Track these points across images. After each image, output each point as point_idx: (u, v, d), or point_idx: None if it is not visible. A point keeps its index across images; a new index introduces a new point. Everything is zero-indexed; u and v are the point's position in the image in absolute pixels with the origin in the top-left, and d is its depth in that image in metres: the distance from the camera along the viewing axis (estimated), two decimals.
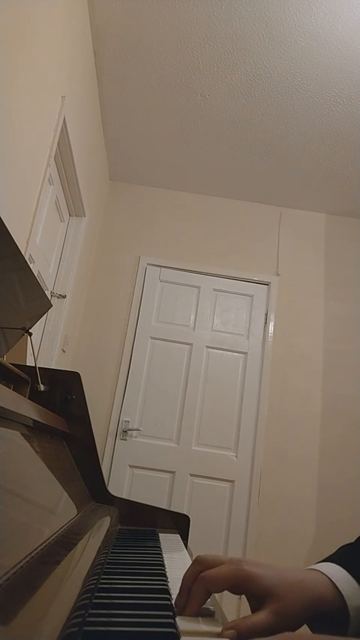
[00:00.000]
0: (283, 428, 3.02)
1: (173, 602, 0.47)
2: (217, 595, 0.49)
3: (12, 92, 1.46)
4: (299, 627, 0.44)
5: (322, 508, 2.87)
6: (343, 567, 0.48)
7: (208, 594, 0.46)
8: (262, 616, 0.42)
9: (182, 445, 2.94)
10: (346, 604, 0.45)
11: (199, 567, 0.47)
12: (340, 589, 0.46)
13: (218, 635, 0.41)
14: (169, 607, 0.44)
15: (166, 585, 0.52)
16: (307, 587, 0.45)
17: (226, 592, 0.46)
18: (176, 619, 0.43)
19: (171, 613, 0.42)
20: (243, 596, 0.46)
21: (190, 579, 0.47)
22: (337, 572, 0.48)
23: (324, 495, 2.90)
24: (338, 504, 2.87)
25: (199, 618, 0.44)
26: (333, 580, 0.47)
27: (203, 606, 0.46)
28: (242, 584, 0.44)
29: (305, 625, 0.46)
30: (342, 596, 0.45)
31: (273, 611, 0.42)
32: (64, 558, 0.52)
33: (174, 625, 0.39)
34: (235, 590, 0.45)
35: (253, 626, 0.41)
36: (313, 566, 0.50)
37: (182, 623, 0.42)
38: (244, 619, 0.42)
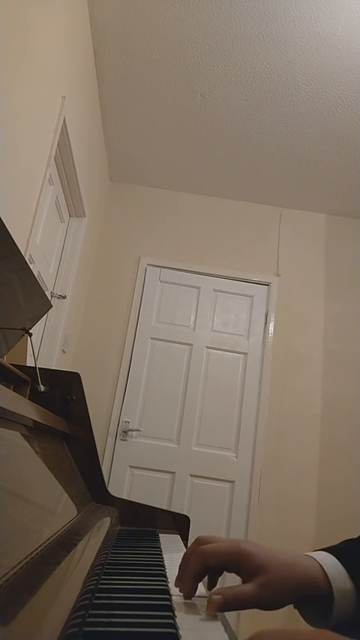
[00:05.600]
0: (283, 428, 3.02)
1: (173, 602, 0.47)
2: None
3: (12, 92, 1.46)
4: (284, 604, 0.47)
5: (322, 508, 2.87)
6: (336, 557, 0.51)
7: (205, 568, 0.48)
8: (248, 587, 0.45)
9: (182, 445, 2.94)
10: (332, 587, 0.47)
11: (199, 545, 0.50)
12: (328, 573, 0.48)
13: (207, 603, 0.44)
14: (169, 607, 0.44)
15: (166, 586, 0.52)
16: (297, 567, 0.48)
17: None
18: (176, 618, 0.42)
19: (171, 613, 0.42)
20: None
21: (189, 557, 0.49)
22: (327, 559, 0.50)
23: (324, 496, 2.89)
24: (338, 505, 2.87)
25: (199, 615, 0.45)
26: (322, 564, 0.49)
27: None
28: (237, 560, 0.47)
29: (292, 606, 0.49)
30: (329, 580, 0.48)
31: (260, 583, 0.45)
32: (64, 559, 0.52)
33: (174, 625, 0.39)
34: (230, 565, 0.48)
35: (239, 593, 0.44)
36: (308, 553, 0.52)
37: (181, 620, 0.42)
38: (230, 587, 0.45)
